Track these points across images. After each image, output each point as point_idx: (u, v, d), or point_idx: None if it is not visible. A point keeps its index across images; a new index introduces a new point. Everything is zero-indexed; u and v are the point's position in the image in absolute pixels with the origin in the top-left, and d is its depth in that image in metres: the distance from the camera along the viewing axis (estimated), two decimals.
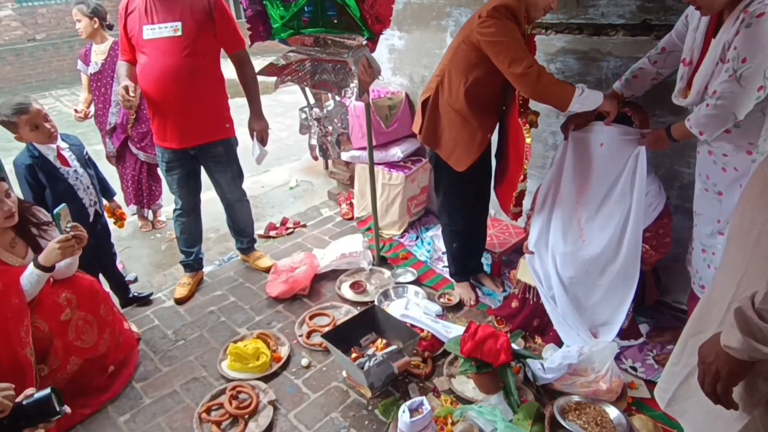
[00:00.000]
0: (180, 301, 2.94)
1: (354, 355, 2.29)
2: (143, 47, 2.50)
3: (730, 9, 1.74)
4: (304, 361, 2.42)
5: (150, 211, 3.90)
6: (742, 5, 1.69)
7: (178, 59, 2.49)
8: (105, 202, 2.75)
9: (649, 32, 2.31)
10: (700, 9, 1.77)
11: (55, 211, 2.05)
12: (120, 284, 2.90)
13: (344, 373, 2.34)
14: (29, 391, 1.44)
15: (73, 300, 2.19)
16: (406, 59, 3.48)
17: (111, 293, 2.74)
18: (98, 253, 2.72)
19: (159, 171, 2.93)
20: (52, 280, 2.15)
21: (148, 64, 2.52)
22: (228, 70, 2.68)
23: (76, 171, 2.45)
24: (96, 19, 3.26)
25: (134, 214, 3.81)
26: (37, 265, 2.00)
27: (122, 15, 2.55)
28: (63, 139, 2.48)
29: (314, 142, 3.01)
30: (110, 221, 2.87)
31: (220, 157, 2.82)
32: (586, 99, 2.10)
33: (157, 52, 2.48)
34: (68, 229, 2.06)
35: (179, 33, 2.47)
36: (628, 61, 2.33)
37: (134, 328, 2.66)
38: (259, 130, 2.83)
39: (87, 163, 2.54)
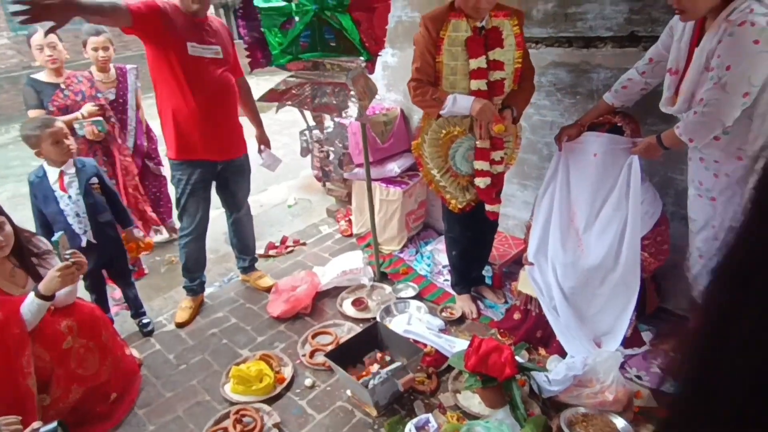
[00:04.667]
0: (181, 325, 2.94)
1: (359, 371, 2.29)
2: (186, 62, 2.53)
3: (712, 18, 1.77)
4: (308, 381, 2.41)
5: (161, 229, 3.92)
6: (723, 14, 1.73)
7: (219, 78, 2.65)
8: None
9: (636, 44, 2.35)
10: (682, 14, 1.80)
11: (53, 239, 2.06)
12: (135, 305, 2.90)
13: (349, 392, 2.33)
14: (36, 424, 1.44)
15: (74, 328, 2.18)
16: (399, 76, 3.52)
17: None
18: (116, 274, 2.84)
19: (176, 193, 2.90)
20: (52, 308, 2.14)
21: (192, 78, 2.56)
22: None
23: (70, 197, 2.47)
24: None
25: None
26: (38, 294, 2.00)
27: (161, 9, 2.42)
28: (75, 163, 2.52)
29: (317, 164, 3.07)
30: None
31: (242, 167, 2.96)
32: (452, 110, 2.27)
33: (202, 69, 2.59)
34: (68, 257, 2.06)
35: (220, 56, 2.64)
36: (617, 72, 2.36)
37: (136, 354, 2.65)
38: (267, 142, 3.12)
39: (89, 191, 2.53)
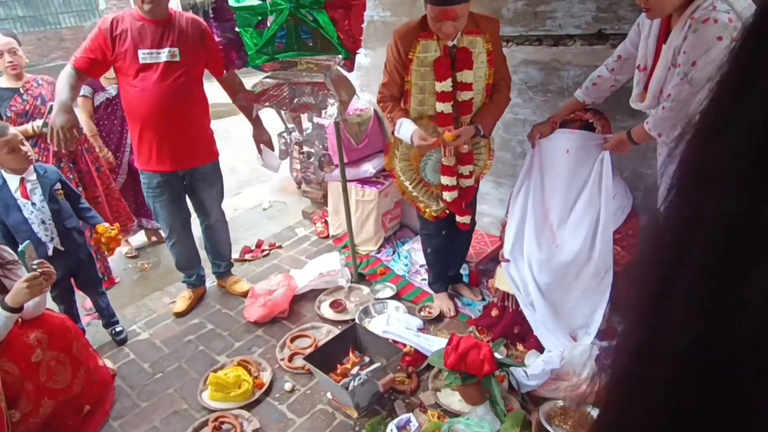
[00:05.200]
0: (179, 315, 2.98)
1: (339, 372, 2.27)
2: (138, 71, 2.48)
3: (678, 15, 1.82)
4: (288, 386, 2.39)
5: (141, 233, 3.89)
6: (688, 12, 1.77)
7: (176, 84, 2.52)
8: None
9: (604, 41, 2.40)
10: (649, 11, 1.84)
11: (20, 248, 2.00)
12: (106, 314, 2.82)
13: (329, 395, 2.31)
14: None
15: (44, 340, 2.11)
16: (372, 76, 3.51)
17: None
18: (84, 283, 2.72)
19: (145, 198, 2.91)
20: (20, 320, 2.07)
21: (146, 88, 2.49)
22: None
23: (34, 204, 2.39)
24: None
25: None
26: (5, 307, 1.93)
27: (105, 33, 2.45)
28: (36, 169, 2.43)
29: (297, 166, 3.01)
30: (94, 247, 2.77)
31: (208, 174, 2.86)
32: (400, 132, 2.35)
33: (154, 76, 2.49)
34: (35, 267, 2.00)
35: (177, 58, 2.51)
36: (587, 69, 2.40)
37: (109, 364, 2.58)
38: (267, 140, 2.97)
39: (54, 197, 2.46)
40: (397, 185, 2.62)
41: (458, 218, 2.56)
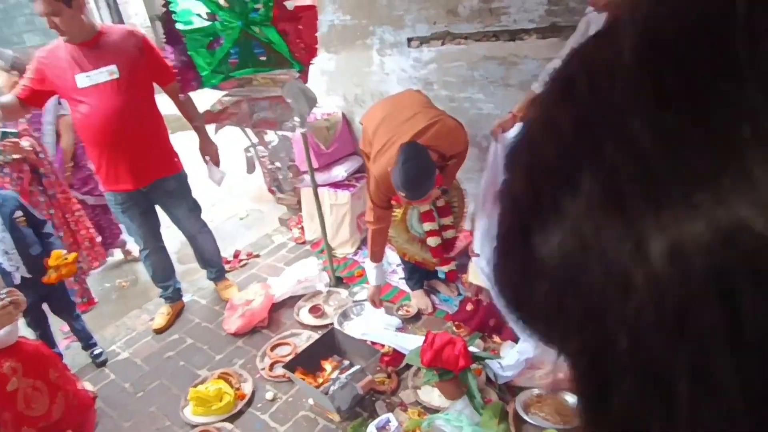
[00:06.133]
0: (158, 331, 2.97)
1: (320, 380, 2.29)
2: (80, 96, 2.46)
3: None
4: (269, 395, 2.39)
5: (117, 251, 3.83)
6: None
7: (121, 101, 2.48)
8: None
9: (558, 33, 2.44)
10: (594, 5, 1.90)
11: None
12: (84, 337, 2.80)
13: (311, 401, 2.33)
14: None
15: (19, 368, 2.09)
16: (337, 80, 3.52)
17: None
18: (57, 308, 2.69)
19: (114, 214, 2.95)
20: None
21: (90, 113, 2.47)
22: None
23: None
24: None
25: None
26: None
27: (42, 66, 2.45)
28: None
29: (267, 178, 3.03)
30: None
31: (173, 191, 2.82)
32: (366, 267, 2.70)
33: (97, 99, 2.46)
34: (2, 296, 1.98)
35: (116, 76, 2.47)
36: (544, 61, 2.45)
37: (89, 387, 2.57)
38: (213, 152, 2.90)
39: (14, 225, 2.42)
40: (396, 251, 2.78)
41: (442, 268, 2.71)
